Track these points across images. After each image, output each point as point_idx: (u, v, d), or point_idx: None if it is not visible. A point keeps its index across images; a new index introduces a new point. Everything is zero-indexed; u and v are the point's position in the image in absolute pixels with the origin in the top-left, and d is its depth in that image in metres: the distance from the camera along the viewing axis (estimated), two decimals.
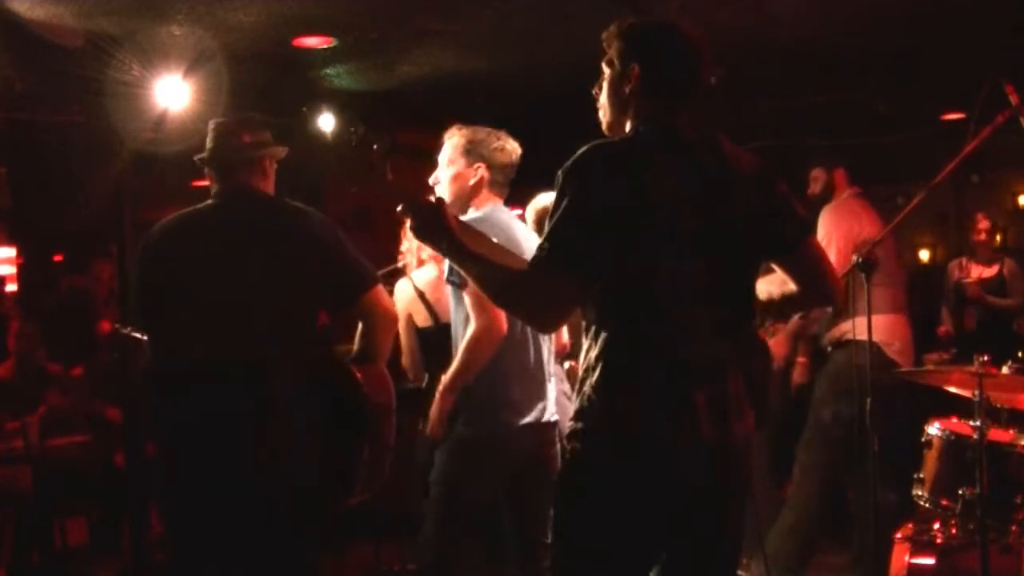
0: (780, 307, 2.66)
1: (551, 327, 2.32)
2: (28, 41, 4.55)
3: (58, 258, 9.01)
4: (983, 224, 7.04)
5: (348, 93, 6.14)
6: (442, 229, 2.25)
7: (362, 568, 5.20)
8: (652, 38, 2.28)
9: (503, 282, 2.23)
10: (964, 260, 7.19)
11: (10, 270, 8.24)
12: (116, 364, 5.30)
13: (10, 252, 8.35)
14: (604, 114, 2.35)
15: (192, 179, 7.14)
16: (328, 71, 5.67)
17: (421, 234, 2.30)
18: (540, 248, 2.15)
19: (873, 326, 3.66)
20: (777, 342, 5.47)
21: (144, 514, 5.16)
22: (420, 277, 3.97)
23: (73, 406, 5.66)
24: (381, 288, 3.06)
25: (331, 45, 5.09)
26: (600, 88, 2.36)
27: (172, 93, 5.14)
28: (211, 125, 3.11)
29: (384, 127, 6.74)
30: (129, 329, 3.97)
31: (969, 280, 6.92)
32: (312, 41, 5.02)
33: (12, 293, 7.95)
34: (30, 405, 5.44)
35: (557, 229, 2.13)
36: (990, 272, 6.95)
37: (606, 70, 2.34)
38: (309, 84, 5.90)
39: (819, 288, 2.40)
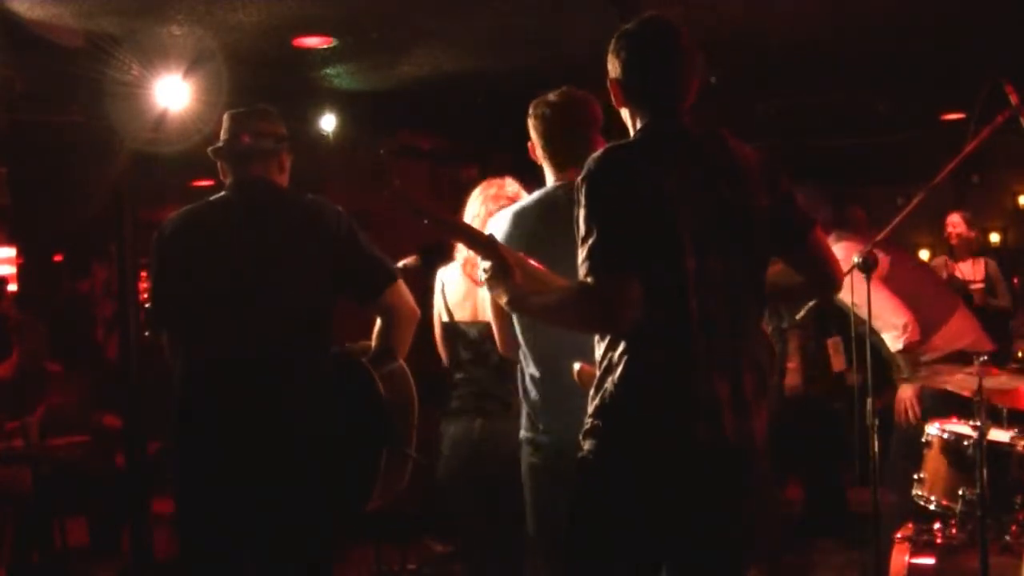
0: (786, 298, 2.67)
1: (626, 331, 2.22)
2: (28, 41, 4.54)
3: (58, 258, 9.01)
4: (952, 225, 7.02)
5: (348, 93, 6.14)
6: (509, 281, 2.32)
7: (363, 569, 5.19)
8: (630, 43, 2.28)
9: (563, 313, 2.29)
10: (946, 260, 7.21)
11: (10, 270, 8.24)
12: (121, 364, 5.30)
13: (10, 252, 8.35)
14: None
15: (192, 179, 7.17)
16: (328, 71, 5.66)
17: (492, 285, 2.36)
18: (588, 265, 2.13)
19: (946, 339, 4.17)
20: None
21: (144, 514, 5.15)
22: None
23: (73, 406, 5.65)
24: (402, 284, 3.01)
25: (331, 45, 5.08)
26: None
27: (172, 93, 5.14)
28: (226, 116, 3.06)
29: (385, 129, 6.75)
30: None
31: (973, 285, 6.89)
32: (312, 41, 5.01)
33: (12, 293, 7.96)
34: (30, 405, 5.44)
35: (598, 241, 2.12)
36: (978, 275, 6.95)
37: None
38: (309, 84, 5.90)
39: (825, 279, 2.42)
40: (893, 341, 4.28)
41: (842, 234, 4.39)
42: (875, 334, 4.42)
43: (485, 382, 3.40)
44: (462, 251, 3.54)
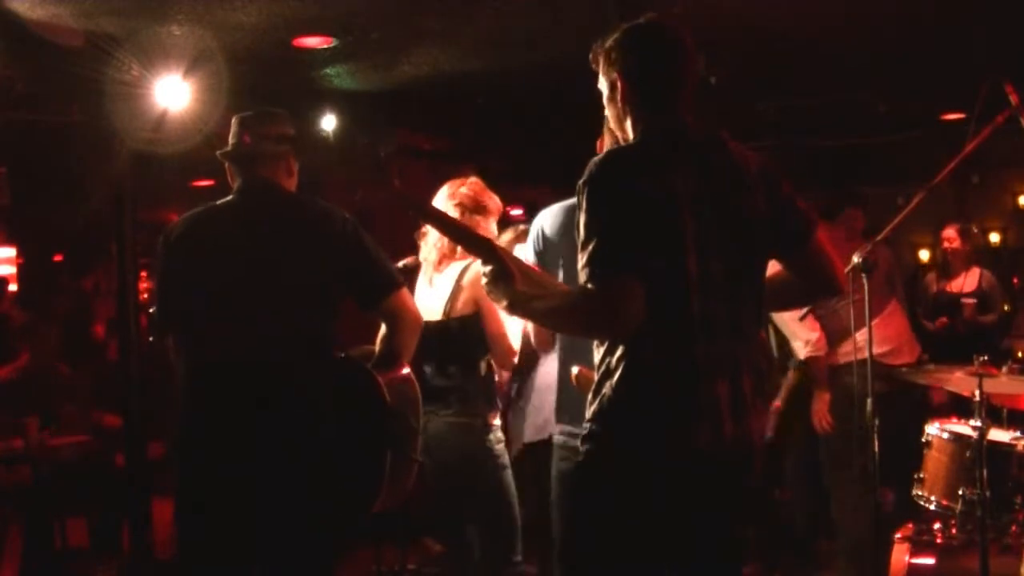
0: (786, 301, 2.66)
1: (628, 336, 2.20)
2: (28, 41, 4.55)
3: (58, 258, 9.02)
4: (947, 240, 6.99)
5: (348, 93, 6.14)
6: (509, 285, 2.30)
7: (363, 569, 5.19)
8: (629, 46, 2.29)
9: (564, 318, 2.29)
10: (936, 276, 7.17)
11: (10, 270, 8.24)
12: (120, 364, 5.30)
13: (10, 252, 8.36)
14: (613, 126, 2.38)
15: (192, 179, 7.18)
16: (328, 71, 5.66)
17: (491, 289, 2.33)
18: (589, 271, 2.12)
19: (860, 342, 3.84)
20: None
21: (144, 514, 5.15)
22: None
23: (74, 406, 5.66)
24: (406, 290, 3.02)
25: (331, 45, 5.08)
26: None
27: (172, 93, 5.14)
28: (234, 119, 3.06)
29: (386, 129, 6.74)
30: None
31: (965, 299, 6.86)
32: (312, 41, 5.01)
33: (12, 293, 7.96)
34: (32, 405, 5.44)
35: (599, 246, 2.11)
36: (970, 287, 6.92)
37: (600, 86, 2.36)
38: (309, 84, 5.90)
39: (826, 282, 2.41)
40: (800, 349, 4.58)
41: None
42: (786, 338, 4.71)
43: (431, 381, 3.49)
44: (423, 249, 3.61)
